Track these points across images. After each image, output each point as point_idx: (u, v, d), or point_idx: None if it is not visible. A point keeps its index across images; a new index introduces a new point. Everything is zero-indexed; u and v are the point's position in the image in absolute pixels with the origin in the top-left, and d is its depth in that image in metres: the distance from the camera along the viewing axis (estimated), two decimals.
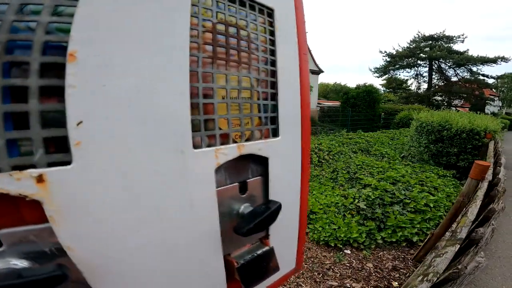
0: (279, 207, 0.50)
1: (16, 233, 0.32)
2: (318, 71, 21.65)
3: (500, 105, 44.65)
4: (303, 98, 0.60)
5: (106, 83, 0.35)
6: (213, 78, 0.45)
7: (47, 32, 0.33)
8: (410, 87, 31.66)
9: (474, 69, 27.15)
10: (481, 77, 27.23)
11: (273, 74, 0.55)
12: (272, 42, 0.55)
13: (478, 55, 26.41)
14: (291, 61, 0.60)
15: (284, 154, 0.57)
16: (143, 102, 0.38)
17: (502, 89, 43.84)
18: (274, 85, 0.55)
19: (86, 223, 0.34)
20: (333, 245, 3.46)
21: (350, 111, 15.96)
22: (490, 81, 28.19)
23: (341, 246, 3.44)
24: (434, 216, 3.87)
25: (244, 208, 0.51)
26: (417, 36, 29.15)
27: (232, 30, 0.49)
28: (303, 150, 0.61)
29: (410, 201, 4.17)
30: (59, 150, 0.34)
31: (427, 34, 28.59)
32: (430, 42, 28.50)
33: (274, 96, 0.56)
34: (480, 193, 2.26)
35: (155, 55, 0.39)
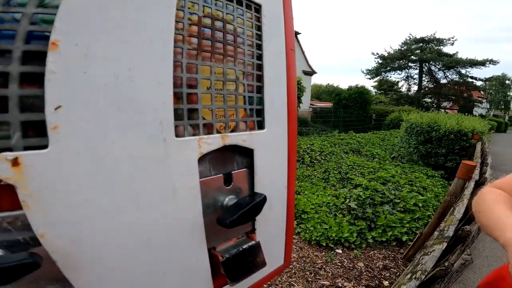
0: (264, 199, 0.50)
1: None
2: (311, 72, 21.80)
3: (488, 107, 45.77)
4: (290, 93, 0.60)
5: (87, 70, 0.35)
6: (197, 69, 0.45)
7: (32, 23, 0.34)
8: (400, 89, 32.17)
9: (463, 71, 27.75)
10: (470, 80, 27.86)
11: (259, 67, 0.56)
12: (259, 37, 0.55)
13: (467, 58, 26.99)
14: (278, 56, 0.60)
15: (270, 147, 0.57)
16: (123, 90, 0.38)
17: (490, 91, 44.95)
18: (260, 78, 0.55)
19: (60, 210, 0.33)
20: (324, 244, 3.47)
21: (342, 112, 16.11)
22: (479, 83, 28.87)
23: (333, 246, 3.47)
24: (423, 216, 3.94)
25: (229, 200, 0.51)
26: (408, 38, 29.68)
27: (218, 23, 0.49)
28: (289, 144, 0.61)
29: (399, 201, 4.23)
30: (37, 135, 0.34)
31: (418, 37, 29.10)
32: (421, 44, 29.01)
33: (260, 89, 0.56)
34: (467, 192, 2.30)
35: (138, 45, 0.39)
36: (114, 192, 0.38)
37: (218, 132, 0.49)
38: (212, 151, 0.47)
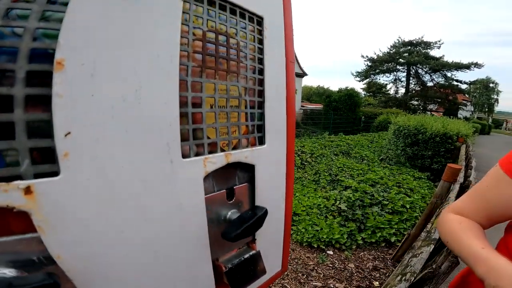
0: (265, 213, 0.51)
1: (4, 242, 0.31)
2: (302, 74, 21.98)
3: (472, 110, 47.16)
4: (289, 106, 0.62)
5: (94, 92, 0.35)
6: (202, 87, 0.46)
7: (34, 38, 0.32)
8: (389, 92, 32.85)
9: (449, 74, 28.51)
10: (455, 83, 28.68)
11: (261, 82, 0.57)
12: (261, 51, 0.57)
13: (452, 61, 27.72)
14: (279, 69, 0.61)
15: (270, 161, 0.59)
16: (131, 112, 0.38)
17: (474, 94, 46.32)
18: (261, 93, 0.57)
19: (74, 231, 0.34)
20: (316, 246, 3.52)
21: (332, 114, 16.32)
22: (463, 86, 29.74)
23: (324, 247, 3.52)
24: (410, 217, 4.04)
25: (231, 214, 0.52)
26: (397, 41, 30.30)
27: (222, 38, 0.50)
28: (288, 157, 0.63)
29: (388, 202, 4.33)
30: (45, 159, 0.33)
31: (406, 40, 29.77)
32: (409, 47, 29.66)
33: (261, 104, 0.57)
34: (452, 195, 2.39)
35: (144, 64, 0.39)
36: (124, 211, 0.39)
37: (222, 149, 0.50)
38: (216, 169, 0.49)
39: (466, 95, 36.29)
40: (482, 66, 26.90)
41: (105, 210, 0.37)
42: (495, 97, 47.33)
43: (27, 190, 0.31)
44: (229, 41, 0.52)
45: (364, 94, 31.40)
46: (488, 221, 0.70)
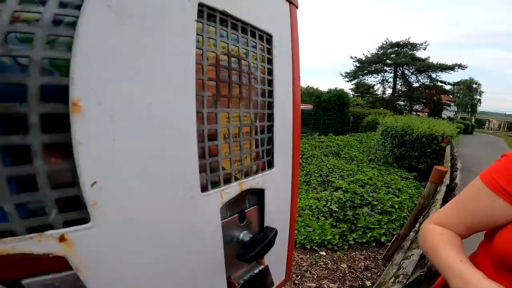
0: (275, 234, 0.55)
1: (42, 281, 0.32)
2: None
3: (456, 110, 48.51)
4: (295, 128, 0.64)
5: (115, 136, 0.34)
6: (216, 119, 0.47)
7: (42, 70, 0.29)
8: (376, 92, 33.44)
9: (434, 75, 29.26)
10: (440, 84, 29.47)
11: (270, 105, 0.59)
12: (270, 72, 0.58)
13: (437, 62, 28.47)
14: (286, 88, 0.62)
15: (278, 183, 0.62)
16: (153, 154, 0.38)
17: (458, 95, 47.60)
18: (270, 117, 0.59)
19: (110, 268, 0.36)
20: (309, 247, 3.57)
21: (322, 115, 16.51)
22: (448, 87, 30.60)
23: (317, 248, 3.57)
24: (399, 217, 4.16)
25: (244, 235, 0.55)
26: (384, 42, 30.86)
27: (234, 60, 0.50)
28: (293, 177, 0.66)
29: (377, 203, 4.43)
30: (72, 206, 0.33)
31: (394, 41, 30.37)
32: (396, 48, 30.25)
33: (270, 129, 0.60)
34: (439, 197, 2.49)
35: (163, 98, 0.39)
36: (154, 250, 0.41)
37: (235, 177, 0.52)
38: None
39: (450, 95, 37.35)
40: (466, 67, 27.75)
41: (135, 248, 0.39)
42: (478, 97, 48.79)
43: (61, 238, 0.32)
44: (241, 64, 0.52)
45: (353, 94, 31.84)
46: (468, 230, 0.74)
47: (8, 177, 0.28)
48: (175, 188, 0.42)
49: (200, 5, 0.43)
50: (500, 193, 0.66)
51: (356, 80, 32.36)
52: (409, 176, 6.34)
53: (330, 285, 2.92)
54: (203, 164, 0.46)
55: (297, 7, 0.69)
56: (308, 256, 3.45)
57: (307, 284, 2.92)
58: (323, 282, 2.96)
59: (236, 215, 0.56)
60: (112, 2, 0.32)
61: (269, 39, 0.58)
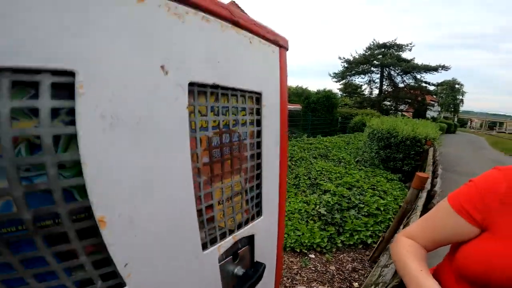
0: (264, 268, 0.63)
1: None
2: None
3: (439, 110, 49.97)
4: (281, 181, 0.72)
5: (136, 233, 0.44)
6: (212, 195, 0.56)
7: (65, 189, 0.36)
8: (363, 92, 34.08)
9: (418, 76, 30.09)
10: (424, 84, 30.34)
11: (258, 166, 0.66)
12: (259, 134, 0.65)
13: (422, 63, 29.29)
14: (274, 145, 0.70)
15: (266, 228, 0.70)
16: (165, 236, 0.48)
17: (441, 95, 48.99)
18: (259, 176, 0.66)
19: None
20: (298, 250, 3.65)
21: (310, 116, 16.71)
22: (431, 87, 31.55)
23: (306, 251, 3.65)
24: (384, 219, 4.30)
25: (237, 270, 0.64)
26: (372, 43, 31.47)
27: (225, 138, 0.58)
28: (280, 222, 0.73)
29: (363, 205, 4.56)
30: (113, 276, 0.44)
31: (380, 42, 31.01)
32: (383, 49, 30.90)
33: (259, 185, 0.67)
34: (420, 203, 2.61)
35: (167, 207, 0.48)
36: None
37: (230, 231, 0.61)
38: None
39: (434, 96, 38.51)
40: (449, 68, 28.67)
41: None
42: (461, 97, 50.35)
43: None
44: (232, 137, 0.60)
45: (341, 94, 32.31)
46: (434, 244, 0.85)
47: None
48: (184, 255, 0.52)
49: (191, 84, 0.48)
50: (463, 215, 0.75)
51: (344, 81, 32.86)
52: (394, 178, 6.54)
53: (320, 287, 3.02)
54: (203, 228, 0.56)
55: (287, 49, 0.74)
56: (298, 259, 3.54)
57: (298, 287, 3.00)
58: (312, 285, 3.05)
59: (231, 256, 0.64)
60: (107, 113, 0.38)
61: (258, 98, 0.65)
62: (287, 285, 3.03)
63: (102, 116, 0.36)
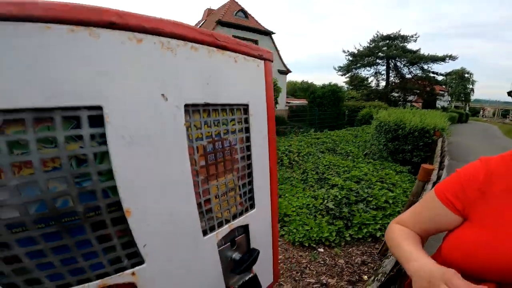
0: (258, 254, 0.76)
1: None
2: (286, 71, 22.19)
3: (450, 99, 48.67)
4: (272, 177, 0.83)
5: (151, 221, 0.59)
6: (209, 191, 0.69)
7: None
8: (370, 85, 33.59)
9: (426, 67, 29.42)
10: (432, 75, 29.65)
11: (249, 165, 0.78)
12: (248, 139, 0.77)
13: (428, 54, 28.63)
14: (262, 148, 0.82)
15: (260, 218, 0.82)
16: (173, 219, 0.62)
17: (451, 85, 47.70)
18: (250, 174, 0.78)
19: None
20: (307, 245, 3.70)
21: (317, 111, 16.65)
22: (440, 78, 30.77)
23: (315, 246, 3.70)
24: (394, 212, 4.31)
25: (235, 255, 0.76)
26: (376, 36, 30.96)
27: (218, 145, 0.70)
28: (273, 213, 0.86)
29: (372, 198, 4.57)
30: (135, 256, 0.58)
31: (385, 34, 30.47)
32: (388, 41, 30.35)
33: (250, 182, 0.79)
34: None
35: (176, 191, 0.62)
36: (178, 270, 0.65)
37: (227, 220, 0.73)
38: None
39: (443, 85, 37.51)
40: (456, 58, 27.95)
41: (169, 272, 0.63)
42: (471, 86, 48.93)
43: (132, 273, 0.56)
44: (224, 143, 0.72)
45: (347, 87, 31.98)
46: (423, 232, 0.89)
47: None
48: (189, 235, 0.65)
49: (186, 105, 0.61)
50: (447, 204, 0.80)
51: (350, 74, 32.48)
52: (403, 170, 6.49)
53: (329, 280, 3.06)
54: (203, 218, 0.69)
55: (271, 61, 0.84)
56: (307, 253, 3.59)
57: (307, 280, 3.06)
58: (322, 278, 3.09)
59: (229, 243, 0.77)
60: (126, 134, 0.52)
61: (246, 108, 0.76)
62: (297, 278, 3.08)
63: (122, 137, 0.49)
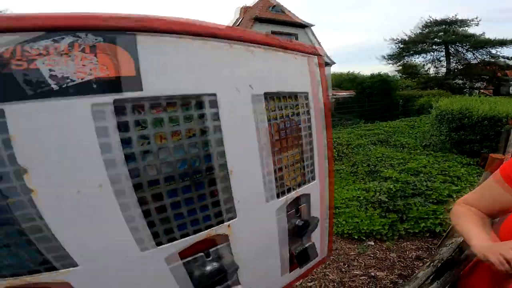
0: (317, 221, 0.90)
1: (220, 248, 0.74)
2: (330, 63, 21.39)
3: None
4: (329, 155, 0.96)
5: (243, 181, 0.75)
6: (281, 160, 0.82)
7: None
8: (428, 72, 30.46)
9: (494, 51, 25.64)
10: (502, 59, 25.72)
11: (311, 142, 0.91)
12: (309, 119, 0.91)
13: (495, 38, 24.89)
14: (322, 127, 0.96)
15: (318, 189, 0.93)
16: (252, 182, 0.78)
17: None
18: (312, 149, 0.91)
19: (244, 239, 0.78)
20: (356, 237, 3.61)
21: (366, 101, 15.80)
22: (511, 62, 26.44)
23: (364, 238, 3.59)
24: None
25: (298, 222, 0.89)
26: (428, 21, 27.91)
27: (287, 123, 0.84)
28: (330, 183, 0.98)
29: (432, 192, 4.25)
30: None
31: (438, 19, 27.38)
32: (444, 26, 27.20)
33: (312, 157, 0.92)
34: None
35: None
36: (256, 225, 0.82)
37: (293, 188, 0.86)
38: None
39: None
40: None
41: (250, 228, 0.80)
42: None
43: (228, 226, 0.72)
44: (291, 123, 0.86)
45: (400, 76, 29.51)
46: (489, 212, 0.88)
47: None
48: (264, 196, 0.80)
49: (265, 93, 0.78)
50: (510, 183, 0.79)
51: (401, 62, 29.89)
52: (471, 162, 5.84)
53: (378, 273, 2.94)
54: (277, 185, 0.83)
55: (322, 56, 0.94)
56: (355, 245, 3.49)
57: (354, 272, 2.97)
58: (370, 271, 2.97)
59: (294, 210, 0.88)
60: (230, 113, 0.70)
61: (306, 96, 0.90)
62: (343, 270, 3.02)
63: (229, 114, 0.68)
